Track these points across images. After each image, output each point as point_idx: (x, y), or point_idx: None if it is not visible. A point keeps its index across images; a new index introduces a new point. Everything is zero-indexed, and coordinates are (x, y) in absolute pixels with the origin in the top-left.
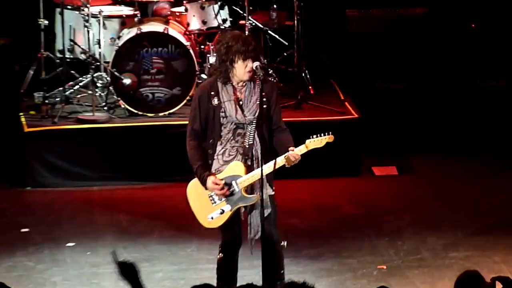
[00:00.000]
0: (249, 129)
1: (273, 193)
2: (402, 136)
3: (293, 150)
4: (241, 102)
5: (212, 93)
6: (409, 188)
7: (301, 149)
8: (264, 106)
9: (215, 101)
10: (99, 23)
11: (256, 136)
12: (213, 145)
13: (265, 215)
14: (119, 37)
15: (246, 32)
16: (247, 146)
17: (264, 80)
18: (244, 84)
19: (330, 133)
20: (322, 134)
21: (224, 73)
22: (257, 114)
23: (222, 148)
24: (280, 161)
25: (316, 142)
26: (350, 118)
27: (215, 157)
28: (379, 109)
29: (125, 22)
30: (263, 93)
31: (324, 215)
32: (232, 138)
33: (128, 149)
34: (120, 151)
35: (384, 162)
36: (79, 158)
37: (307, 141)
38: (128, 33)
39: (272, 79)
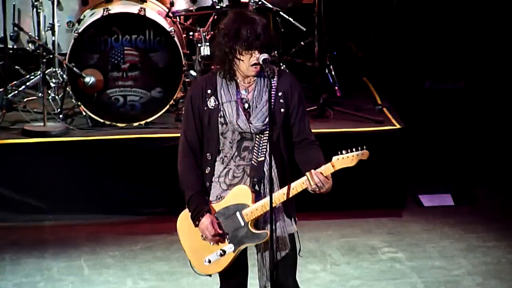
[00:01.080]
0: (259, 142)
1: (294, 230)
2: (459, 154)
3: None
4: (247, 104)
5: (209, 91)
6: (468, 224)
7: (326, 170)
8: (282, 110)
9: (212, 102)
10: (53, 2)
11: (268, 150)
12: (211, 162)
13: (281, 257)
14: (79, 21)
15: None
16: (255, 164)
17: (281, 73)
18: (252, 79)
19: (364, 147)
20: (353, 150)
21: (226, 66)
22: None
23: (224, 167)
24: (299, 185)
25: (346, 160)
26: (390, 129)
27: (215, 180)
28: (428, 116)
29: (87, 0)
30: (280, 92)
31: (355, 260)
32: (236, 154)
33: (92, 171)
34: (81, 174)
35: (436, 188)
36: (26, 183)
37: (334, 158)
38: (92, 16)
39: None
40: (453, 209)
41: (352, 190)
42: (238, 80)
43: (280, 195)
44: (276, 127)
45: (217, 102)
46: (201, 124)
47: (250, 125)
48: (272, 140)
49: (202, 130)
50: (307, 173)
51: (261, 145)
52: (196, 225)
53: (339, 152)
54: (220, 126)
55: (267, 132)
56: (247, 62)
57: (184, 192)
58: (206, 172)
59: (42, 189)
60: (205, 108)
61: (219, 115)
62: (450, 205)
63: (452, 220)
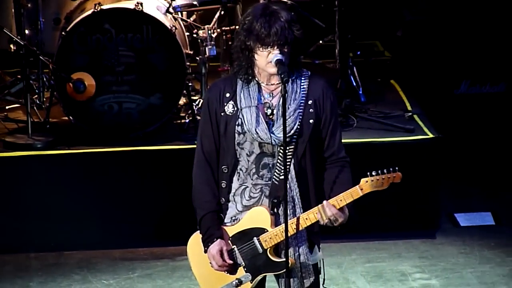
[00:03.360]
0: (281, 156)
1: (319, 258)
2: (500, 166)
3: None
4: (269, 110)
5: (227, 95)
6: (510, 246)
7: (353, 194)
8: (311, 121)
9: (230, 107)
10: None
11: (292, 168)
12: (227, 176)
13: (306, 286)
14: (67, 18)
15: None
16: (276, 183)
17: (312, 78)
18: (277, 81)
19: (397, 168)
20: (384, 171)
21: (243, 64)
22: (295, 132)
23: (241, 184)
24: (313, 215)
25: (376, 182)
26: (421, 138)
27: (231, 198)
28: (465, 124)
29: None
30: (310, 100)
31: None
32: (254, 171)
33: (82, 187)
34: (70, 191)
35: (474, 205)
36: (8, 204)
37: (363, 181)
38: (81, 12)
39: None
40: (494, 229)
41: (378, 208)
42: (261, 82)
43: (302, 220)
44: (302, 140)
45: (235, 108)
46: (218, 132)
47: (271, 135)
48: (297, 154)
49: (220, 139)
50: (319, 206)
51: (283, 160)
52: (205, 251)
53: (368, 174)
54: (237, 135)
55: (292, 145)
56: (264, 60)
57: (196, 211)
58: (222, 186)
59: (26, 210)
60: (222, 114)
61: (237, 122)
62: (490, 225)
63: (493, 242)
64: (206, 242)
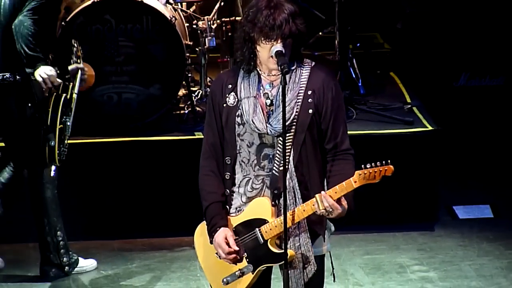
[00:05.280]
0: (280, 147)
1: (325, 251)
2: (498, 159)
3: (336, 192)
4: (268, 101)
5: (229, 86)
6: (509, 239)
7: (347, 186)
8: (310, 111)
9: (231, 99)
10: None
11: (292, 159)
12: (230, 168)
13: (308, 278)
14: (66, 8)
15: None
16: (276, 174)
17: (315, 68)
18: (278, 73)
19: (389, 161)
20: (377, 163)
21: (245, 55)
22: (292, 122)
23: (244, 176)
24: (310, 207)
25: (368, 175)
26: (420, 131)
27: (236, 190)
28: (464, 117)
29: None
30: (309, 91)
31: (381, 280)
32: (255, 162)
33: (79, 178)
34: (66, 182)
35: (472, 198)
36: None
37: (357, 173)
38: (81, 2)
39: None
40: (492, 222)
41: (377, 200)
42: (261, 72)
43: (299, 211)
44: (301, 130)
45: (236, 99)
46: (222, 123)
47: (267, 125)
48: (295, 146)
49: (223, 131)
50: (316, 196)
51: (283, 151)
52: (211, 242)
53: (362, 166)
54: (237, 126)
55: (290, 136)
56: (267, 53)
57: (202, 201)
58: (226, 178)
59: (23, 198)
60: (224, 105)
61: (237, 113)
62: (489, 218)
63: (491, 235)
64: (211, 232)
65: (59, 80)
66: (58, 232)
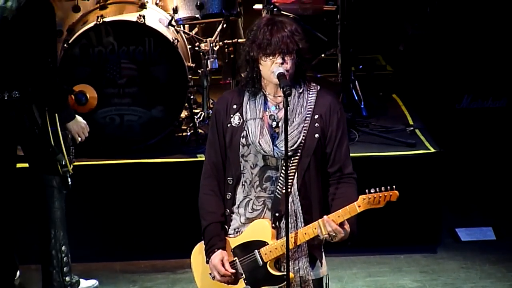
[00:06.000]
0: (285, 170)
1: (323, 274)
2: (501, 181)
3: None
4: (275, 123)
5: (234, 106)
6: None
7: (350, 211)
8: (316, 135)
9: (236, 119)
10: None
11: (295, 182)
12: (232, 188)
13: None
14: (69, 30)
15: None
16: (279, 196)
17: (321, 92)
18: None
19: (394, 187)
20: (382, 189)
21: (249, 75)
22: (299, 146)
23: (245, 196)
24: (311, 230)
25: (373, 200)
26: (423, 153)
27: (236, 210)
28: (467, 139)
29: (78, 6)
30: (316, 115)
31: None
32: (258, 183)
33: (82, 200)
34: (68, 204)
35: (475, 220)
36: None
37: (361, 198)
38: (84, 24)
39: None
40: (495, 244)
41: (379, 222)
42: (268, 94)
43: (301, 234)
44: (306, 154)
45: (241, 120)
46: (225, 143)
47: (274, 148)
48: (301, 168)
49: (226, 151)
50: (319, 221)
51: (286, 173)
52: (207, 262)
53: (366, 191)
54: (241, 147)
55: (296, 159)
56: (268, 70)
57: (201, 221)
58: (227, 198)
59: (26, 220)
60: (228, 125)
61: (242, 134)
62: (491, 240)
63: (494, 257)
64: (208, 253)
65: (87, 133)
66: (63, 247)
